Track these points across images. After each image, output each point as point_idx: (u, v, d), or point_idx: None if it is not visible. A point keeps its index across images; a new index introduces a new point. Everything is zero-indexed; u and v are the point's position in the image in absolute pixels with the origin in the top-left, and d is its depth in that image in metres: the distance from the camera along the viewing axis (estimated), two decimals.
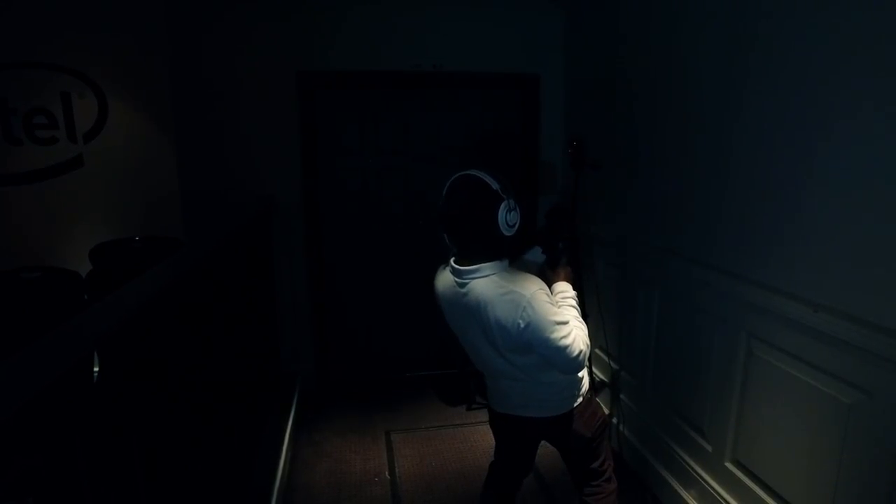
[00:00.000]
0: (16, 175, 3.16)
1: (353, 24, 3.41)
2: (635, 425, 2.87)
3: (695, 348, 2.38)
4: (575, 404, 1.82)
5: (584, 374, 1.84)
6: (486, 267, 1.60)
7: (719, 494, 2.22)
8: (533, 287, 1.57)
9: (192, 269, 1.76)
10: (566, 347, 1.55)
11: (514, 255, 1.80)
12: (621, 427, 2.97)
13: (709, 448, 2.31)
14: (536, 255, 1.92)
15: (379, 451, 3.05)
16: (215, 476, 1.93)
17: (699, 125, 2.34)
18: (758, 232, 2.03)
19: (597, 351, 3.27)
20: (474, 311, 1.62)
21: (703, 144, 2.32)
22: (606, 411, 3.15)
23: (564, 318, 1.59)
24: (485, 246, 1.61)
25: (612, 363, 3.13)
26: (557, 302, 1.68)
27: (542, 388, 1.76)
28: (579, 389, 1.83)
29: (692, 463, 2.40)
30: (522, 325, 1.53)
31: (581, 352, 1.58)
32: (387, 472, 2.86)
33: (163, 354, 1.46)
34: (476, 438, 3.14)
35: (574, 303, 1.74)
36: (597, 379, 3.23)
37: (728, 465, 2.19)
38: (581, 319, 1.70)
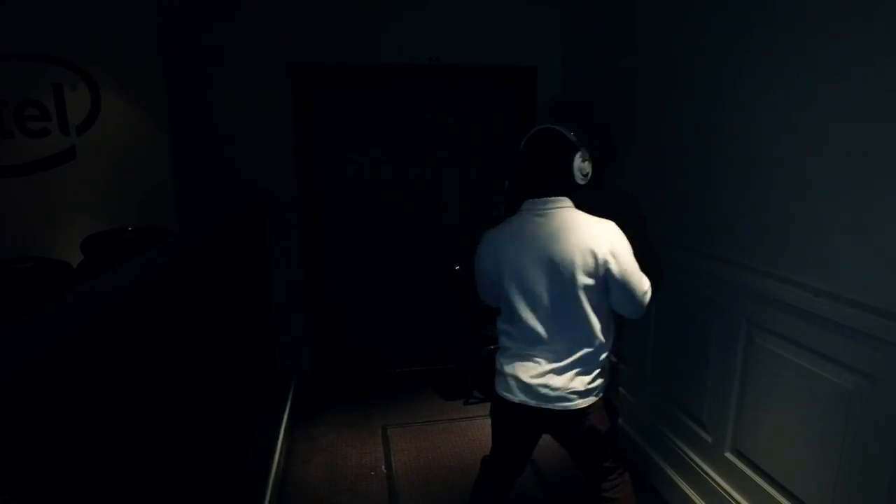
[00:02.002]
0: (8, 167, 3.13)
1: (348, 17, 3.38)
2: (634, 417, 2.85)
3: (694, 338, 2.36)
4: (595, 398, 1.77)
5: (609, 369, 1.83)
6: (566, 200, 1.73)
7: (719, 485, 2.19)
8: (616, 227, 1.71)
9: (183, 257, 1.73)
10: (644, 283, 1.71)
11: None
12: (620, 419, 2.94)
13: (708, 439, 2.29)
14: None
15: (375, 446, 3.02)
16: (209, 470, 1.90)
17: (697, 116, 2.33)
18: (756, 220, 2.01)
19: None
20: (557, 238, 1.67)
21: (702, 135, 2.30)
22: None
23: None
24: (563, 188, 1.73)
25: (610, 355, 3.09)
26: None
27: (580, 363, 1.70)
28: (602, 383, 1.79)
29: (692, 454, 2.38)
30: (607, 250, 1.64)
31: (650, 296, 1.74)
32: (383, 467, 2.83)
33: (151, 344, 1.42)
34: (473, 433, 3.11)
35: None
36: None
37: (728, 455, 2.17)
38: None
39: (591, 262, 1.64)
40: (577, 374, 1.72)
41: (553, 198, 1.72)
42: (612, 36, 3.07)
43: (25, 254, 2.71)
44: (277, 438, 2.79)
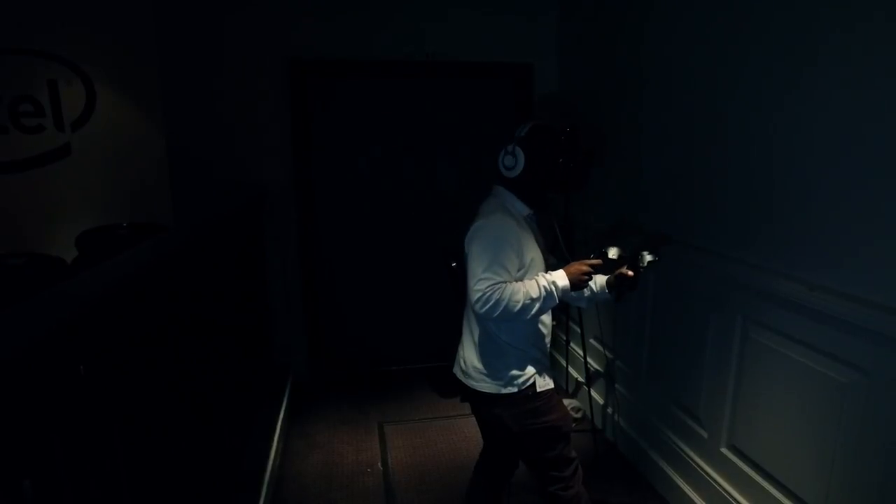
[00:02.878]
0: (2, 163, 3.12)
1: (346, 13, 3.37)
2: (630, 414, 2.85)
3: (689, 334, 2.35)
4: (504, 391, 1.74)
5: (531, 369, 1.74)
6: (501, 189, 1.78)
7: (715, 481, 2.19)
8: (499, 222, 1.67)
9: (175, 252, 1.72)
10: (475, 284, 1.60)
11: (533, 199, 1.78)
12: (616, 416, 2.94)
13: (704, 434, 2.28)
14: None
15: (372, 443, 3.02)
16: (204, 467, 1.90)
17: (692, 112, 2.32)
18: (752, 214, 2.01)
19: (591, 340, 3.24)
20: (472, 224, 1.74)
21: (698, 130, 2.30)
22: (602, 401, 3.12)
23: (503, 265, 1.61)
24: (500, 179, 1.78)
25: (606, 352, 3.10)
26: (538, 274, 1.68)
27: (483, 346, 1.77)
28: (514, 377, 1.73)
29: (688, 450, 2.38)
30: (469, 241, 1.67)
31: (488, 306, 1.57)
32: (379, 464, 2.83)
33: (144, 339, 1.42)
34: (469, 430, 3.10)
35: (543, 284, 1.64)
36: (591, 369, 3.20)
37: (724, 450, 2.17)
38: (531, 298, 1.61)
39: (466, 247, 1.70)
40: (482, 356, 1.77)
41: (496, 185, 1.81)
42: (608, 34, 3.06)
43: (20, 250, 2.70)
44: (273, 435, 2.78)
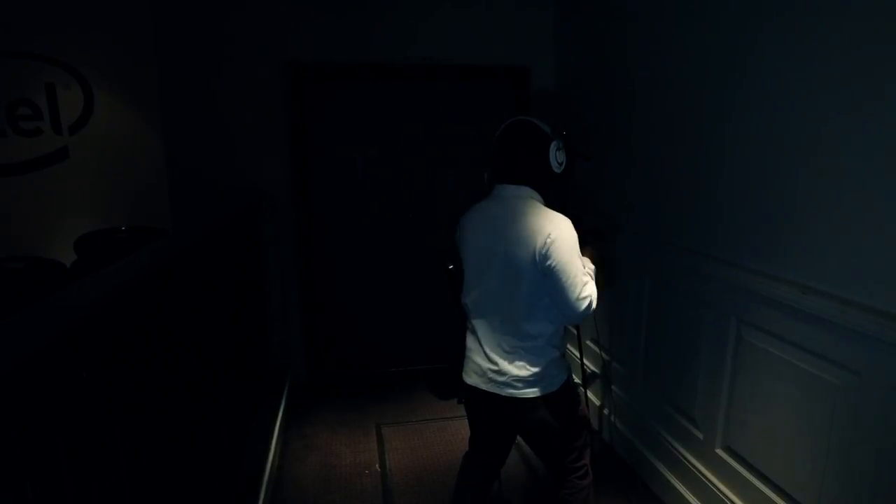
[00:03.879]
0: (0, 167, 3.12)
1: (343, 16, 3.39)
2: (626, 415, 2.87)
3: (685, 336, 2.38)
4: (550, 391, 1.76)
5: (563, 364, 1.81)
6: (528, 189, 1.74)
7: (710, 481, 2.21)
8: (564, 222, 1.67)
9: (174, 256, 1.73)
10: (580, 287, 1.65)
11: (547, 196, 1.79)
12: (612, 418, 2.96)
13: (700, 435, 2.31)
14: None
15: (370, 445, 3.03)
16: (203, 469, 1.91)
17: (689, 115, 2.34)
18: (745, 217, 2.03)
19: (588, 342, 3.26)
20: (508, 224, 1.68)
21: (691, 132, 2.32)
22: (598, 402, 3.14)
23: (584, 267, 1.72)
24: (534, 179, 1.75)
25: (603, 354, 3.12)
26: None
27: (526, 353, 1.73)
28: (558, 376, 1.78)
29: (683, 451, 2.40)
30: (549, 242, 1.61)
31: (590, 302, 1.68)
32: (377, 465, 2.84)
33: (144, 343, 1.43)
34: (467, 431, 3.10)
35: (589, 272, 1.78)
36: (588, 371, 3.22)
37: (719, 451, 2.19)
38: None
39: (533, 253, 1.63)
40: (523, 363, 1.73)
41: (516, 185, 1.74)
42: (603, 36, 3.09)
43: (18, 253, 2.70)
44: (272, 437, 2.79)
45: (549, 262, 1.62)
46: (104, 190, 3.24)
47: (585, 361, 3.22)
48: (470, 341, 1.86)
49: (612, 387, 3.00)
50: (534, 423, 1.82)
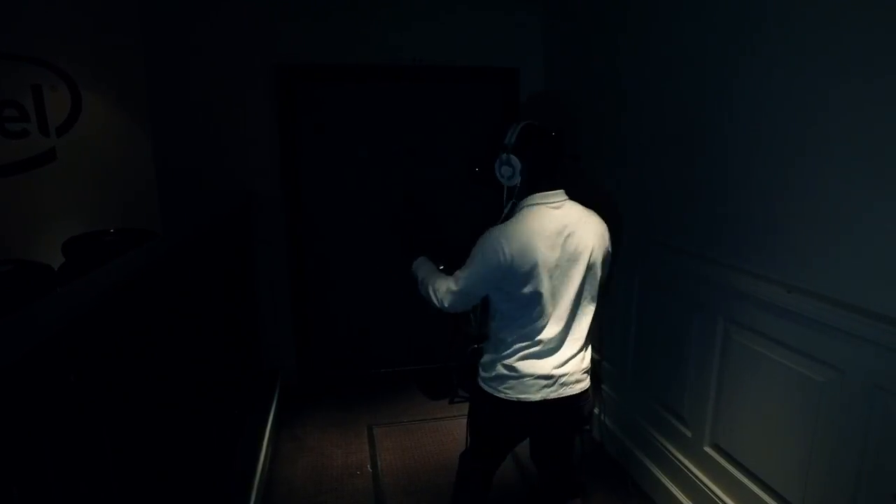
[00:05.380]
0: None
1: (332, 19, 3.38)
2: (616, 414, 2.89)
3: (673, 335, 2.40)
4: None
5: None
6: (564, 193, 1.80)
7: (699, 479, 2.24)
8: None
9: (163, 259, 1.73)
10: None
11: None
12: (603, 416, 2.98)
13: (688, 434, 2.33)
14: None
15: (361, 445, 3.03)
16: (194, 471, 1.90)
17: (678, 116, 2.37)
18: (733, 218, 2.05)
19: None
20: (576, 229, 1.72)
21: (680, 135, 2.34)
22: None
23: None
24: (563, 181, 1.80)
25: (592, 353, 3.13)
26: None
27: (588, 343, 1.83)
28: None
29: (672, 449, 2.42)
30: (609, 237, 1.82)
31: None
32: (369, 466, 2.85)
33: (133, 345, 1.43)
34: (458, 432, 3.13)
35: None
36: None
37: (707, 449, 2.21)
38: None
39: (604, 250, 1.80)
40: (585, 353, 1.84)
41: (561, 190, 1.76)
42: (593, 36, 3.10)
43: (5, 256, 2.68)
44: (263, 439, 2.79)
45: (608, 255, 1.84)
46: (92, 192, 3.22)
47: None
48: (517, 363, 1.76)
49: (602, 386, 3.02)
50: (580, 416, 1.88)
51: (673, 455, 2.40)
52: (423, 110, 3.68)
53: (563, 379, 1.77)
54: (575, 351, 1.78)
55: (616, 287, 2.85)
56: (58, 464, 1.02)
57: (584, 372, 1.83)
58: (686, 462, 2.33)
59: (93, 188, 3.22)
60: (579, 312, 1.77)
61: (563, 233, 1.68)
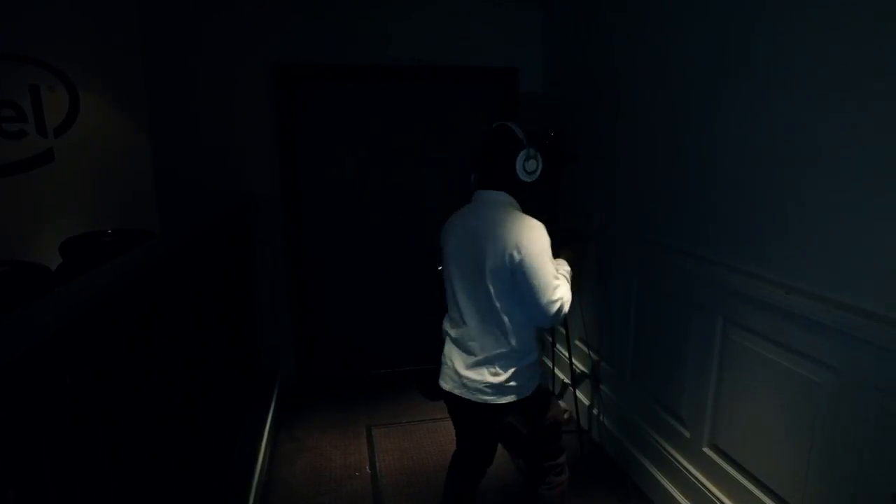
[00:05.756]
0: None
1: (331, 18, 3.38)
2: (615, 414, 2.89)
3: (672, 335, 2.40)
4: (520, 397, 1.78)
5: (536, 370, 1.82)
6: (504, 195, 1.77)
7: (698, 479, 2.23)
8: (537, 226, 1.68)
9: (161, 260, 1.72)
10: (550, 291, 1.64)
11: (523, 201, 1.82)
12: (601, 417, 2.98)
13: (687, 434, 2.33)
14: None
15: (360, 446, 3.03)
16: (191, 472, 1.90)
17: (675, 116, 2.36)
18: (732, 219, 2.05)
19: (576, 342, 3.28)
20: (484, 229, 1.71)
21: (680, 135, 2.34)
22: (587, 402, 3.16)
23: (556, 270, 1.71)
24: (505, 183, 1.77)
25: (591, 353, 3.14)
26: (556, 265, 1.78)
27: (497, 359, 1.74)
28: (530, 382, 1.80)
29: (671, 449, 2.42)
30: (519, 247, 1.63)
31: (562, 305, 1.67)
32: (367, 467, 2.84)
33: (130, 346, 1.42)
34: None
35: (564, 274, 1.79)
36: (577, 370, 3.24)
37: (706, 449, 2.21)
38: (568, 290, 1.75)
39: (505, 259, 1.65)
40: (494, 370, 1.75)
41: (494, 191, 1.77)
42: (592, 37, 3.10)
43: (2, 257, 2.67)
44: (261, 439, 2.78)
45: (519, 267, 1.64)
46: (90, 192, 3.21)
47: (574, 361, 3.24)
48: (447, 346, 1.89)
49: (601, 386, 3.02)
50: (504, 429, 1.85)
51: (671, 455, 2.40)
52: (422, 110, 3.68)
53: (465, 381, 1.78)
54: (478, 358, 1.76)
55: (614, 287, 2.85)
56: (54, 466, 1.01)
57: (491, 387, 1.75)
58: (685, 462, 2.33)
59: (91, 189, 3.21)
60: (482, 318, 1.75)
61: (474, 231, 1.76)
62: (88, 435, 1.16)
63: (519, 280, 1.65)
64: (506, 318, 1.71)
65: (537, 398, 1.84)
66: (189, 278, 2.03)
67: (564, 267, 1.85)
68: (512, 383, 1.75)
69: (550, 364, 3.55)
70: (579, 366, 3.27)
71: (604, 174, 2.99)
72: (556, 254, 1.86)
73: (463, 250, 1.77)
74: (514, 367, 1.74)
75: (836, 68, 1.60)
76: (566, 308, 1.70)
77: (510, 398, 1.76)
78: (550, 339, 3.51)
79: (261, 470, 2.63)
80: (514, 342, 1.73)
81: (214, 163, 3.36)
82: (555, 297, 1.65)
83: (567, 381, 3.32)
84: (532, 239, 1.65)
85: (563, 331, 3.08)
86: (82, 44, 3.10)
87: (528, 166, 1.73)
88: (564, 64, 3.47)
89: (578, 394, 3.20)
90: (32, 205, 3.16)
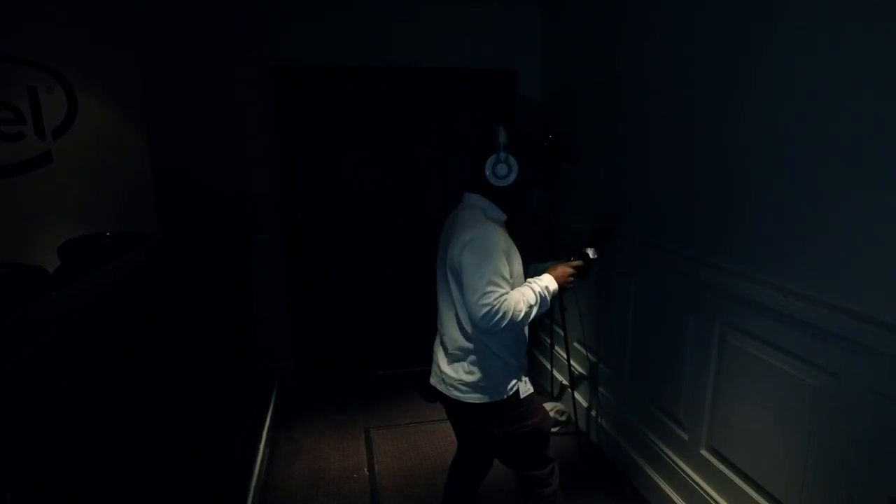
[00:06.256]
0: None
1: (330, 20, 3.38)
2: (613, 416, 2.89)
3: (670, 338, 2.40)
4: (492, 400, 1.75)
5: (514, 376, 1.78)
6: (477, 198, 1.76)
7: (695, 482, 2.24)
8: (490, 232, 1.65)
9: (160, 262, 1.73)
10: (478, 296, 1.58)
11: (511, 210, 1.80)
12: (599, 419, 2.98)
13: (685, 436, 2.33)
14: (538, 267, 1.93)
15: (358, 448, 3.03)
16: (190, 473, 1.90)
17: (672, 117, 2.37)
18: (730, 222, 2.05)
19: (575, 344, 3.28)
20: (450, 234, 1.75)
21: (676, 136, 2.35)
22: (585, 404, 3.16)
23: (502, 275, 1.62)
24: (480, 186, 1.77)
25: (590, 356, 3.14)
26: (529, 280, 1.74)
27: (465, 356, 1.76)
28: (501, 386, 1.76)
29: (669, 452, 2.42)
30: (461, 252, 1.64)
31: (493, 312, 1.58)
32: (366, 469, 2.84)
33: (129, 347, 1.42)
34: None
35: (538, 290, 1.69)
36: (575, 372, 3.24)
37: (704, 452, 2.21)
38: (530, 305, 1.66)
39: (455, 258, 1.68)
40: (468, 368, 1.76)
41: (472, 194, 1.79)
42: (591, 38, 3.10)
43: (0, 259, 2.67)
44: (260, 441, 2.78)
45: (459, 265, 1.66)
46: (89, 195, 3.21)
47: (573, 363, 3.24)
48: (435, 342, 1.94)
49: (599, 388, 3.02)
50: (475, 429, 1.87)
51: (669, 458, 2.40)
52: (421, 112, 3.68)
53: (442, 376, 1.84)
54: (450, 354, 1.80)
55: (613, 290, 2.85)
56: (51, 469, 1.01)
57: (463, 384, 1.76)
58: (682, 465, 2.33)
59: (89, 191, 3.20)
60: (447, 316, 1.81)
61: (446, 232, 1.81)
62: (86, 438, 1.16)
63: (456, 278, 1.69)
64: (461, 317, 1.76)
65: (515, 403, 1.78)
66: (188, 280, 2.03)
67: (541, 283, 1.72)
68: (483, 384, 1.75)
69: (549, 366, 3.55)
70: (578, 368, 3.27)
71: (602, 176, 2.99)
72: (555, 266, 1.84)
73: (440, 250, 1.83)
74: (486, 367, 1.74)
75: (840, 70, 1.60)
76: (504, 322, 1.60)
77: (482, 398, 1.75)
78: (549, 341, 3.51)
79: (259, 471, 2.63)
80: (476, 341, 1.74)
81: (213, 164, 3.36)
82: (483, 302, 1.58)
83: (565, 382, 3.33)
84: (477, 240, 1.64)
85: (561, 333, 3.08)
86: (80, 46, 3.09)
87: (497, 170, 1.71)
88: (563, 65, 3.47)
89: (577, 396, 3.20)
90: (31, 207, 3.16)
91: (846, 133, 1.57)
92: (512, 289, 1.66)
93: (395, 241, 3.77)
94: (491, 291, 1.59)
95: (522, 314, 1.63)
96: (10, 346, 0.92)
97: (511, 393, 1.77)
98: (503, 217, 1.79)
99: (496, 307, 1.58)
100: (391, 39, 3.48)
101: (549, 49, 3.61)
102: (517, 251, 1.77)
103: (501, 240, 1.68)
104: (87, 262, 2.44)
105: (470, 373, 1.76)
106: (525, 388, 1.82)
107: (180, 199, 3.26)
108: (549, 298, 1.71)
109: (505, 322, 1.59)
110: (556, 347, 3.47)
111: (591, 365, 3.12)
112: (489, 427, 1.81)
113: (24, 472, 0.95)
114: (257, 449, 2.71)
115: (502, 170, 1.71)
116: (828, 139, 1.63)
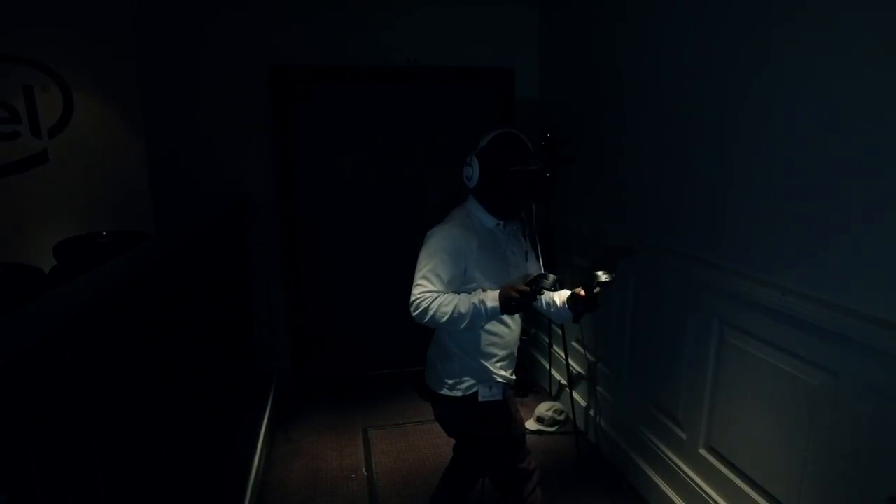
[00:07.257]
0: None
1: (327, 20, 3.37)
2: (611, 415, 2.89)
3: (669, 337, 2.40)
4: (442, 392, 1.81)
5: (470, 377, 1.77)
6: (470, 199, 1.82)
7: (694, 481, 2.24)
8: (448, 231, 1.71)
9: (156, 261, 1.71)
10: (415, 286, 1.68)
11: (498, 208, 1.79)
12: (598, 418, 2.98)
13: (683, 436, 2.33)
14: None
15: (356, 448, 3.02)
16: (187, 474, 1.89)
17: (669, 118, 2.37)
18: (729, 221, 2.05)
19: (573, 343, 3.28)
20: None
21: (677, 138, 2.34)
22: (584, 403, 3.16)
23: (437, 275, 1.67)
24: (467, 189, 1.82)
25: (588, 355, 3.14)
26: (472, 292, 1.66)
27: (433, 347, 1.87)
28: (452, 381, 1.78)
29: (667, 451, 2.42)
30: (425, 240, 1.75)
31: (417, 305, 1.65)
32: (364, 469, 2.84)
33: (125, 348, 1.41)
34: None
35: (474, 302, 1.61)
36: (574, 372, 3.23)
37: (702, 451, 2.21)
38: (460, 313, 1.61)
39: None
40: (433, 355, 1.88)
41: (469, 195, 1.83)
42: (589, 38, 3.10)
43: None
44: (257, 441, 2.77)
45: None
46: (85, 194, 3.20)
47: (571, 362, 3.24)
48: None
49: (598, 388, 3.02)
50: (436, 416, 1.94)
51: (668, 457, 2.40)
52: (419, 111, 3.67)
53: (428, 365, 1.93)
54: (434, 339, 1.91)
55: (612, 289, 2.84)
56: (45, 470, 1.00)
57: (433, 373, 1.86)
58: (681, 464, 2.33)
59: (85, 190, 3.19)
60: None
61: None
62: (81, 438, 1.15)
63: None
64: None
65: (470, 404, 1.78)
66: (185, 280, 2.02)
67: (484, 297, 1.61)
68: (442, 376, 1.82)
69: (547, 365, 3.55)
70: (576, 367, 3.27)
71: (600, 176, 2.99)
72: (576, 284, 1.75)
73: None
74: (444, 360, 1.82)
75: (839, 69, 1.60)
76: (425, 318, 1.63)
77: (435, 385, 1.84)
78: (547, 340, 3.51)
79: (257, 472, 2.62)
80: (446, 337, 1.81)
81: (209, 164, 3.35)
82: (413, 292, 1.67)
83: (564, 382, 3.32)
84: (433, 237, 1.73)
85: (559, 332, 3.08)
86: (76, 45, 3.09)
87: (464, 172, 1.79)
88: (561, 65, 3.47)
89: (575, 395, 3.20)
90: (26, 206, 3.15)
91: (846, 132, 1.57)
92: (456, 291, 1.67)
93: (393, 241, 3.76)
94: (420, 286, 1.67)
95: (447, 318, 1.62)
96: (3, 345, 0.92)
97: (468, 393, 1.78)
98: (490, 218, 1.77)
99: (418, 301, 1.65)
100: (389, 39, 3.47)
101: (548, 49, 3.61)
102: (503, 255, 1.76)
103: (461, 242, 1.68)
104: (82, 262, 2.43)
105: (432, 358, 1.87)
106: (487, 393, 1.78)
107: (176, 199, 3.25)
108: (485, 313, 1.61)
109: (426, 318, 1.64)
110: (555, 347, 3.47)
111: (590, 364, 3.12)
112: (443, 418, 1.91)
113: (18, 472, 0.94)
114: (255, 449, 2.70)
115: (467, 171, 1.78)
116: (828, 138, 1.63)
